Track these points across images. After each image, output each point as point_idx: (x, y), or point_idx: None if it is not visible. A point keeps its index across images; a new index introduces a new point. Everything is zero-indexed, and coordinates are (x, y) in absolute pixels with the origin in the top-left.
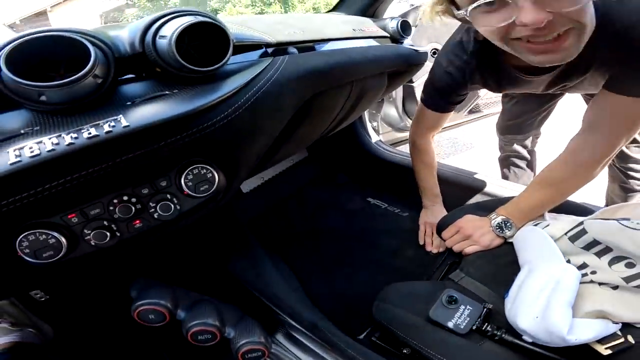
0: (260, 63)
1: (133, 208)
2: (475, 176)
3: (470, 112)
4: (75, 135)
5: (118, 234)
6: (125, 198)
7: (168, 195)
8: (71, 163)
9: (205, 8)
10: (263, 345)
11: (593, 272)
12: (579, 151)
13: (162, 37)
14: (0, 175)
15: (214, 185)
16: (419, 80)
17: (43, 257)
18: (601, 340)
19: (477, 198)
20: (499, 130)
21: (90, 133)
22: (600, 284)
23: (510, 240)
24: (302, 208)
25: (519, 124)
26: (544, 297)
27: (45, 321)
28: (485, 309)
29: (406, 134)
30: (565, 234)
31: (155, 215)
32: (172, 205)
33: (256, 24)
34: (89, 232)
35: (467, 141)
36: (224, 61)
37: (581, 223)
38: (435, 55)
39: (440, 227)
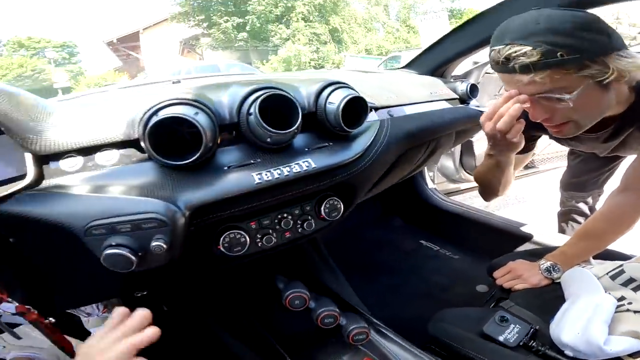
0: (374, 125)
1: (291, 222)
2: (523, 227)
3: (526, 167)
4: (288, 169)
5: (275, 240)
6: (285, 215)
7: (309, 217)
8: (282, 187)
9: (267, 46)
10: (367, 329)
11: (629, 303)
12: (618, 208)
13: (331, 103)
14: (250, 190)
15: (339, 213)
16: (478, 135)
17: (233, 251)
18: (633, 355)
19: (525, 246)
20: (562, 186)
21: (295, 169)
22: (635, 311)
23: (557, 281)
24: (360, 243)
25: (582, 181)
26: (585, 317)
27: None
28: (532, 329)
29: (458, 185)
30: (607, 273)
31: (299, 230)
32: (313, 224)
33: (363, 86)
34: (260, 236)
35: (519, 195)
36: (363, 124)
37: (621, 265)
38: None
39: (491, 268)
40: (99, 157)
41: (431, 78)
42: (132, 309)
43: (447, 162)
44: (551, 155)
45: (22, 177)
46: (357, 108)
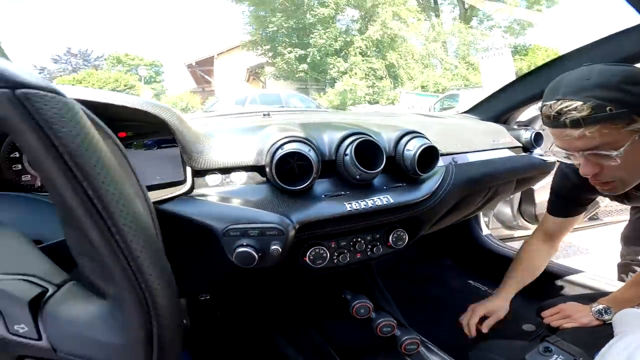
0: (440, 170)
1: (363, 246)
2: (576, 273)
3: (590, 219)
4: (371, 202)
5: (348, 259)
6: (359, 239)
7: (378, 243)
8: (365, 216)
9: (324, 78)
10: (418, 340)
11: None
12: None
13: (409, 150)
14: (342, 215)
15: (404, 243)
16: (540, 183)
17: (316, 264)
18: None
19: (577, 291)
20: (622, 239)
21: (377, 202)
22: None
23: (608, 322)
24: (409, 276)
25: None
26: (632, 348)
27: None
28: (578, 357)
29: (513, 232)
30: None
31: (368, 253)
32: (380, 249)
33: (429, 133)
34: (337, 254)
35: (582, 246)
36: (434, 168)
37: None
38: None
39: (541, 308)
40: (233, 176)
41: (494, 125)
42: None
43: (505, 208)
44: (616, 208)
45: (178, 183)
46: (429, 155)
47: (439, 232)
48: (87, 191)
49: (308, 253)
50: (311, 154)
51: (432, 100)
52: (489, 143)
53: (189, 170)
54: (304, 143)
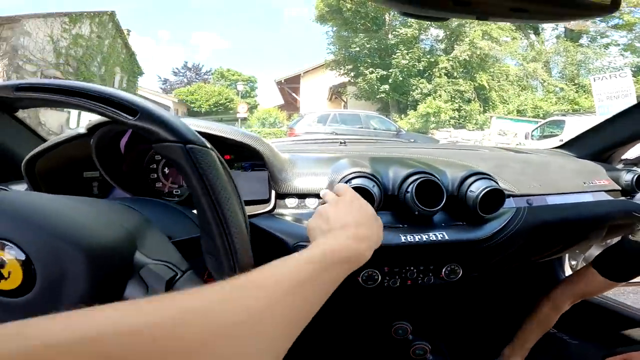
0: (509, 212)
1: (415, 274)
2: None
3: None
4: (426, 237)
5: (398, 284)
6: (411, 268)
7: (430, 274)
8: (418, 249)
9: (407, 100)
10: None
11: None
12: None
13: (472, 191)
14: (397, 245)
15: (457, 277)
16: None
17: (368, 284)
18: None
19: None
20: None
21: (431, 237)
22: None
23: None
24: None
25: None
26: None
27: None
28: None
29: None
30: None
31: (419, 282)
32: (432, 279)
33: (505, 172)
34: (388, 278)
35: None
36: (499, 211)
37: None
38: None
39: (608, 355)
40: (308, 201)
41: (590, 164)
42: None
43: (597, 252)
44: None
45: (263, 201)
46: (494, 197)
47: (514, 270)
48: (218, 211)
49: (362, 274)
50: (374, 190)
51: (529, 127)
52: (579, 185)
53: (273, 192)
54: (369, 179)
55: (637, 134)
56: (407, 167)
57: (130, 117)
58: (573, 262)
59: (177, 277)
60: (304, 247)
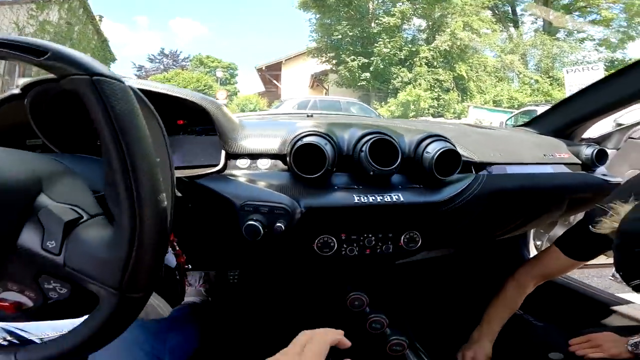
0: (468, 178)
1: (372, 242)
2: (622, 303)
3: None
4: (380, 198)
5: (355, 253)
6: (369, 236)
7: (389, 242)
8: (372, 210)
9: (387, 88)
10: (405, 343)
11: None
12: None
13: (427, 152)
14: (349, 206)
15: (416, 245)
16: None
17: (323, 251)
18: None
19: (617, 321)
20: None
21: (386, 199)
22: None
23: None
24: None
25: None
26: None
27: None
28: None
29: None
30: None
31: (378, 251)
32: (390, 249)
33: (466, 141)
34: (345, 246)
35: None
36: (454, 174)
37: None
38: None
39: (577, 335)
40: (260, 162)
41: (551, 139)
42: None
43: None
44: None
45: (215, 165)
46: (451, 159)
47: (481, 249)
48: (123, 144)
49: (317, 240)
50: (327, 148)
51: (504, 117)
52: (539, 157)
53: (223, 153)
54: (323, 137)
55: (596, 111)
56: (364, 128)
57: (37, 58)
58: (538, 242)
59: (81, 220)
60: (251, 207)
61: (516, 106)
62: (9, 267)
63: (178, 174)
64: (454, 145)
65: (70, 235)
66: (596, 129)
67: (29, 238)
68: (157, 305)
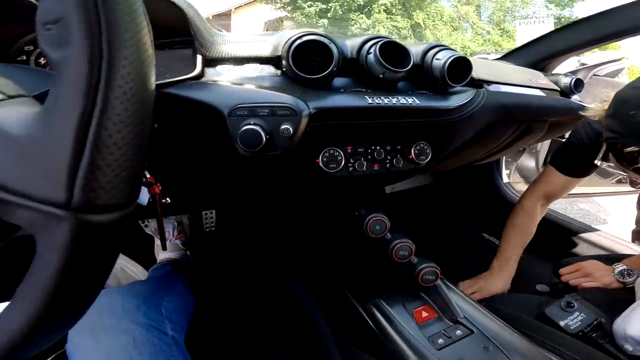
0: (471, 91)
1: (382, 155)
2: (597, 233)
3: (619, 181)
4: (395, 99)
5: (364, 168)
6: (378, 147)
7: (399, 155)
8: (388, 112)
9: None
10: (437, 270)
11: None
12: None
13: (438, 59)
14: (362, 107)
15: (427, 158)
16: None
17: (329, 167)
18: None
19: (597, 252)
20: (638, 206)
21: (401, 101)
22: None
23: (629, 287)
24: (422, 225)
25: None
26: None
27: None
28: (597, 320)
29: None
30: None
31: (387, 165)
32: (401, 162)
33: None
34: (353, 161)
35: (600, 216)
36: (464, 83)
37: None
38: None
39: (560, 266)
40: (247, 67)
41: (530, 70)
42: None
43: (529, 161)
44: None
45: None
46: (460, 70)
47: (456, 177)
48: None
49: (322, 154)
50: (331, 46)
51: None
52: (526, 81)
53: (199, 58)
54: (325, 37)
55: (569, 48)
56: (365, 35)
57: None
58: (506, 171)
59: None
60: (245, 110)
61: (469, 54)
62: None
63: None
64: (462, 55)
65: None
66: (563, 68)
67: None
68: (126, 267)
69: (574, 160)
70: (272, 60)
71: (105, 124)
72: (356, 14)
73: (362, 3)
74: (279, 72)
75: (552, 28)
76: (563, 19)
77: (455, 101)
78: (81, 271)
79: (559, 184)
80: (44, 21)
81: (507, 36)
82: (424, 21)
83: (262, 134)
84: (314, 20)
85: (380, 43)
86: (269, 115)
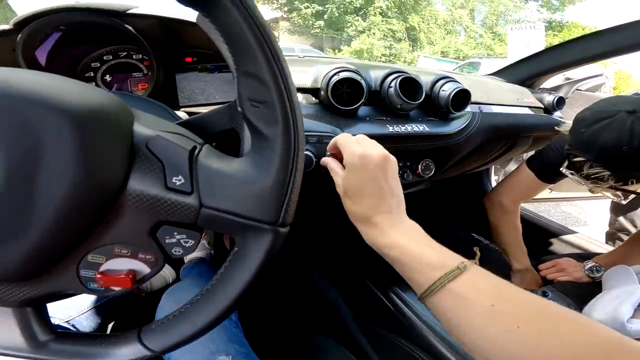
0: (468, 114)
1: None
2: (573, 234)
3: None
4: (410, 127)
5: None
6: None
7: (408, 170)
8: (403, 138)
9: (341, 36)
10: None
11: None
12: None
13: (444, 91)
14: (384, 135)
15: (431, 172)
16: None
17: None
18: None
19: (570, 250)
20: (611, 210)
21: (414, 128)
22: None
23: (597, 281)
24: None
25: (631, 205)
26: (617, 300)
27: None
28: (568, 305)
29: None
30: None
31: (401, 179)
32: (410, 176)
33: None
34: None
35: (581, 218)
36: (465, 110)
37: None
38: None
39: (539, 262)
40: None
41: (518, 86)
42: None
43: (515, 167)
44: None
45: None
46: (460, 98)
47: (451, 183)
48: (273, 55)
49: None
50: (363, 83)
51: (450, 67)
52: (514, 100)
53: None
54: (356, 73)
55: (556, 67)
56: (385, 68)
57: None
58: (495, 177)
59: (198, 148)
60: None
61: (461, 57)
62: (115, 224)
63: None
64: (463, 86)
65: (197, 165)
66: (550, 82)
67: (143, 179)
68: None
69: (546, 167)
70: (311, 90)
71: (297, 175)
72: (352, 16)
73: (358, 5)
74: (316, 100)
75: (542, 34)
76: (553, 23)
77: (455, 126)
78: (268, 264)
79: (534, 186)
80: (251, 98)
81: (499, 40)
82: (419, 24)
83: (313, 157)
84: (310, 21)
85: (400, 78)
86: (317, 143)
